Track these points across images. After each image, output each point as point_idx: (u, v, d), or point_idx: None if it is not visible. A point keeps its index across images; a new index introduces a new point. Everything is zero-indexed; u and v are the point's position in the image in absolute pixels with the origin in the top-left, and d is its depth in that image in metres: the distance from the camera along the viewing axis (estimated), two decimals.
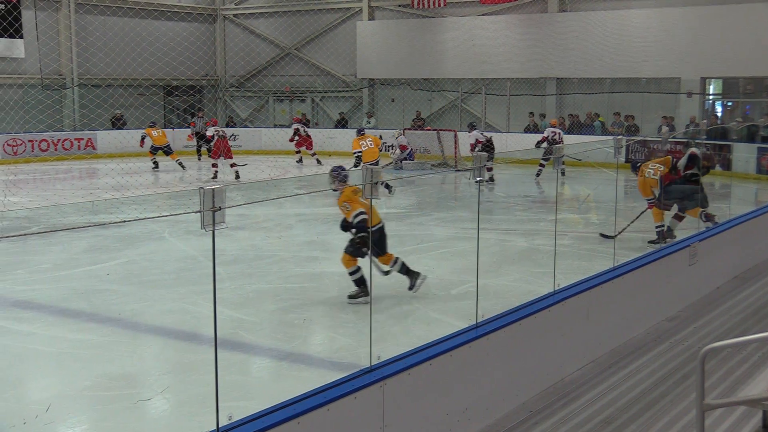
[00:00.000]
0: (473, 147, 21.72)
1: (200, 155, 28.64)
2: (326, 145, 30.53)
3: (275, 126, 33.79)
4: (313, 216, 16.86)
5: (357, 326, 8.88)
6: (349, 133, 30.58)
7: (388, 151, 27.79)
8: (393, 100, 32.46)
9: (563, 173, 21.66)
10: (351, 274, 9.75)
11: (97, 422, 6.86)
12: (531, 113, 29.01)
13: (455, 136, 25.78)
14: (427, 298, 10.22)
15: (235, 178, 22.76)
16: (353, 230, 9.60)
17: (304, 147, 27.36)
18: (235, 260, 12.14)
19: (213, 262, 4.87)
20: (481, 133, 22.68)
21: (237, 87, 35.76)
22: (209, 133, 24.44)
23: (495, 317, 6.93)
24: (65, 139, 28.27)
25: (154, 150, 25.99)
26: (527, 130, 28.21)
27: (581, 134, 26.52)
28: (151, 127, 26.33)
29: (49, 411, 6.71)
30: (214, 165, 23.85)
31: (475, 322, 6.70)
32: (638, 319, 9.12)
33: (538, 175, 22.05)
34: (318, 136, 31.14)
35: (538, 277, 10.77)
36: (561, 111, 28.97)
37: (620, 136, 20.91)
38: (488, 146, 22.11)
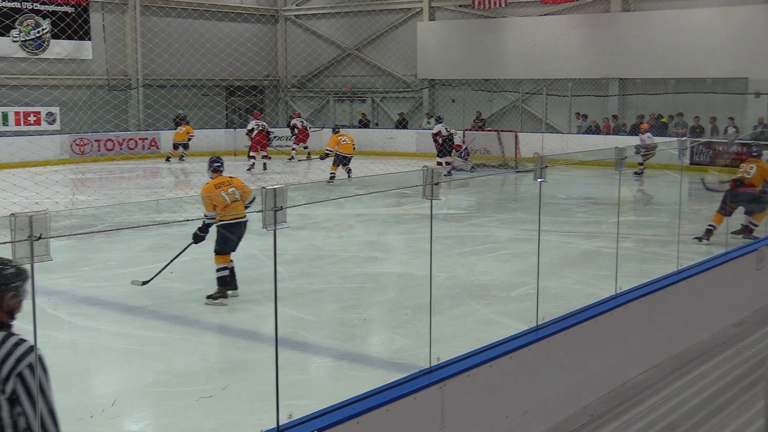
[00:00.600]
0: (434, 138, 23.94)
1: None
2: (386, 146, 30.58)
3: (336, 126, 33.94)
4: (372, 216, 16.90)
5: (416, 327, 8.88)
6: (410, 134, 30.65)
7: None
8: (453, 101, 32.36)
9: (641, 172, 22.63)
10: (217, 271, 10.24)
11: (160, 417, 6.96)
12: (578, 113, 28.76)
13: (516, 137, 25.62)
14: (487, 300, 10.18)
15: (263, 169, 24.98)
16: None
17: (302, 142, 28.11)
18: (295, 260, 12.22)
19: (274, 261, 4.91)
20: (446, 128, 24.08)
21: (298, 87, 36.00)
22: (249, 126, 25.54)
23: (556, 320, 6.87)
24: (130, 139, 28.78)
25: (175, 146, 27.54)
26: (588, 131, 27.90)
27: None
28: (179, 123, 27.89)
29: (114, 405, 6.83)
30: (251, 157, 24.96)
31: (535, 325, 6.65)
32: (703, 324, 8.97)
33: (638, 174, 23.03)
34: (378, 136, 31.23)
35: (600, 280, 10.64)
36: (623, 112, 28.59)
37: (685, 138, 20.57)
38: (449, 141, 23.88)
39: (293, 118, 29.10)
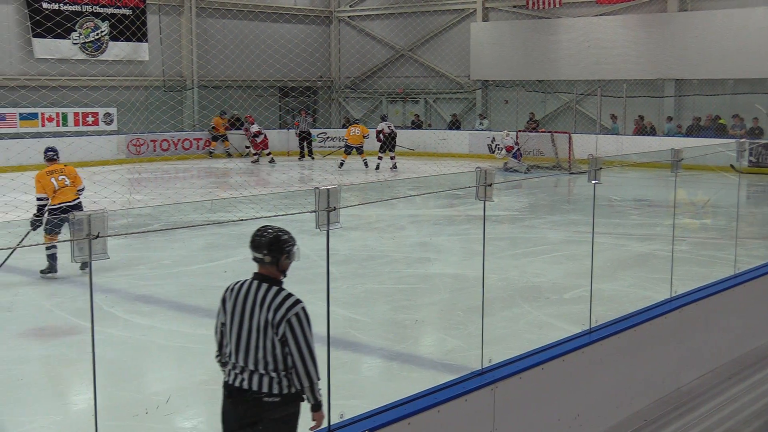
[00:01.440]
0: (378, 135, 26.43)
1: (303, 155, 29.38)
2: (439, 147, 30.54)
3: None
4: (425, 217, 16.89)
5: (467, 328, 8.86)
6: (463, 135, 30.59)
7: (494, 152, 27.65)
8: (506, 102, 32.19)
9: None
10: (46, 249, 11.22)
11: (214, 415, 6.99)
12: (612, 115, 28.44)
13: (569, 138, 25.41)
14: (539, 302, 10.12)
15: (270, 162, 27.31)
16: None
17: (262, 148, 27.98)
18: (347, 260, 12.26)
19: (327, 261, 4.94)
20: (388, 126, 26.59)
21: (351, 88, 36.11)
22: (256, 128, 27.65)
23: (609, 323, 6.81)
24: (185, 139, 29.13)
25: (214, 138, 29.27)
26: (645, 133, 27.57)
27: (701, 137, 25.77)
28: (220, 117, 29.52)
29: (168, 402, 6.92)
30: (255, 154, 27.62)
31: (588, 328, 6.59)
32: (761, 329, 8.81)
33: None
34: (431, 137, 31.21)
35: (654, 283, 10.52)
36: (680, 113, 28.19)
37: (743, 140, 20.26)
38: (390, 138, 26.23)
39: (252, 125, 28.36)
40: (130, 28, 28.50)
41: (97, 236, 3.83)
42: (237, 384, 4.57)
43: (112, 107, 28.02)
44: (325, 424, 4.69)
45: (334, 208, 4.63)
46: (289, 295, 4.49)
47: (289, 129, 31.10)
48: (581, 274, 10.87)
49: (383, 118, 27.93)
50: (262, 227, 4.72)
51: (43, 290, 10.90)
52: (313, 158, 29.33)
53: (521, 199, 19.74)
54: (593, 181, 6.74)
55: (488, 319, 6.93)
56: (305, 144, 29.60)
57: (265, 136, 27.97)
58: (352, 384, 7.37)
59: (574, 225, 15.82)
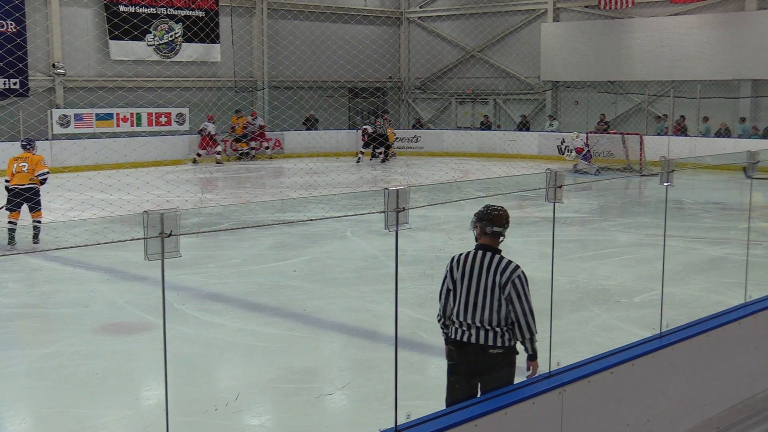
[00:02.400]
0: (362, 135, 28.83)
1: (374, 154, 29.10)
2: (508, 148, 30.38)
3: (458, 128, 33.93)
4: None
5: None
6: (532, 136, 30.38)
7: (564, 153, 27.37)
8: (577, 103, 31.86)
9: None
10: (8, 222, 13.32)
11: (281, 413, 7.11)
12: (663, 115, 27.93)
13: (641, 139, 25.04)
14: (609, 305, 10.00)
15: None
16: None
17: (206, 149, 27.69)
18: (415, 260, 12.26)
19: (396, 262, 4.95)
20: (371, 127, 28.69)
21: (420, 89, 36.13)
22: (261, 122, 28.71)
23: (680, 327, 6.69)
24: (255, 139, 29.40)
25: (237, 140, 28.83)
26: (718, 135, 27.04)
27: None
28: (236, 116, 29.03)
29: (237, 399, 7.01)
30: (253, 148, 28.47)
31: (659, 332, 6.49)
32: None
33: None
34: (500, 138, 31.07)
35: (728, 288, 10.31)
36: (756, 114, 27.56)
37: None
38: (374, 138, 28.02)
39: (207, 122, 28.26)
40: (204, 30, 28.94)
41: (170, 234, 3.90)
42: (465, 339, 5.32)
43: (185, 107, 28.49)
44: (391, 424, 4.70)
45: (404, 209, 4.63)
46: (510, 261, 5.32)
47: (358, 129, 31.19)
48: (652, 277, 10.72)
49: (367, 122, 30.11)
50: (489, 206, 5.61)
51: (116, 287, 11.15)
52: (383, 161, 28.80)
53: (591, 201, 19.51)
54: (665, 183, 6.64)
55: (557, 321, 6.87)
56: (384, 148, 28.76)
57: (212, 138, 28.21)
58: (419, 385, 7.37)
59: (644, 228, 15.59)
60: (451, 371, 5.55)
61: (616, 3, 29.42)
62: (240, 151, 28.74)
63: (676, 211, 16.78)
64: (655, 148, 24.32)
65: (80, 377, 7.74)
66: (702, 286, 11.04)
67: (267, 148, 29.52)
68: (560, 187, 5.66)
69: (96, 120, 26.29)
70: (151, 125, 27.72)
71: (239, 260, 12.80)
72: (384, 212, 4.63)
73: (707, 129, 27.63)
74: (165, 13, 28.21)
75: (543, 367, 5.67)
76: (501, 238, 5.54)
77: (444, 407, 5.05)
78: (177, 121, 28.27)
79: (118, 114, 26.91)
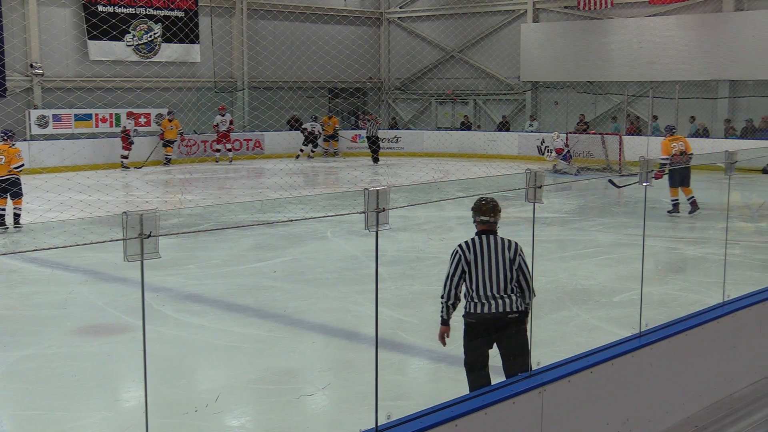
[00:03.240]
0: (303, 131, 29.64)
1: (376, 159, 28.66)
2: (488, 148, 30.44)
3: (438, 128, 33.97)
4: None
5: None
6: (512, 136, 30.46)
7: (544, 154, 27.46)
8: (556, 103, 31.97)
9: None
10: None
11: (261, 414, 7.10)
12: (654, 116, 28.15)
13: (620, 140, 25.16)
14: (589, 305, 10.04)
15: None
16: None
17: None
18: (395, 261, 12.27)
19: (376, 262, 4.95)
20: (311, 124, 29.53)
21: (400, 89, 36.15)
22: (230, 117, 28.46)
23: (660, 327, 6.73)
24: (235, 140, 29.32)
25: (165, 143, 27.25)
26: (697, 135, 27.20)
27: (756, 139, 25.36)
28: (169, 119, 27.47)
29: (217, 401, 6.99)
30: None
31: (638, 331, 6.52)
32: None
33: None
34: (480, 138, 31.13)
35: (707, 287, 10.38)
36: (734, 115, 27.76)
37: None
38: (311, 135, 29.34)
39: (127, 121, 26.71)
40: (183, 30, 28.83)
41: (149, 235, 3.89)
42: (486, 310, 6.09)
43: (165, 108, 28.37)
44: (372, 425, 4.71)
45: (384, 209, 4.63)
46: (509, 239, 6.32)
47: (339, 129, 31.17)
48: (631, 277, 10.77)
49: (314, 119, 30.32)
50: (481, 198, 6.51)
51: (96, 289, 11.09)
52: (375, 162, 28.48)
53: (571, 201, 19.59)
54: (644, 184, 6.67)
55: (537, 321, 6.92)
56: (372, 149, 28.71)
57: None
58: (400, 385, 7.38)
59: (624, 228, 15.67)
60: (470, 337, 6.31)
61: (595, 4, 29.54)
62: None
63: (655, 210, 16.87)
64: (634, 149, 24.45)
65: (59, 379, 7.70)
66: (681, 285, 11.10)
67: (229, 150, 28.57)
68: (540, 187, 5.68)
69: (75, 120, 26.12)
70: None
71: (219, 261, 12.77)
72: (364, 213, 4.63)
73: (695, 129, 27.80)
74: (144, 13, 28.08)
75: (523, 367, 5.69)
76: (496, 225, 6.41)
77: (424, 408, 5.05)
78: (157, 122, 28.13)
79: (96, 115, 26.75)
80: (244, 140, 29.82)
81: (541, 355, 5.82)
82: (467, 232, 16.06)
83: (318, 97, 33.03)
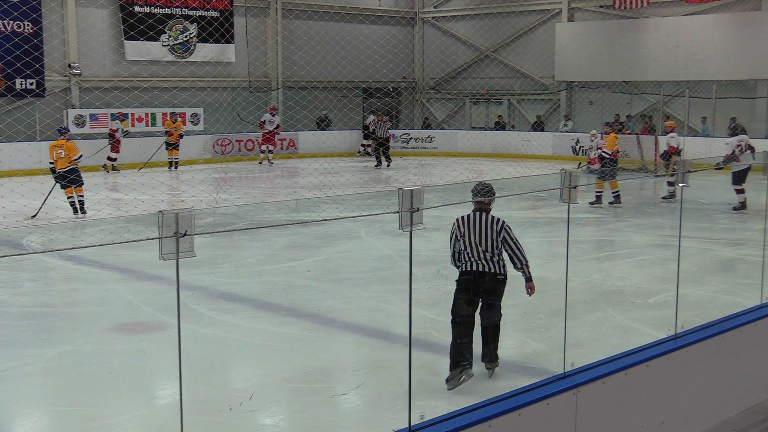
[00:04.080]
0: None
1: (379, 162, 27.25)
2: (523, 148, 30.32)
3: (472, 128, 33.89)
4: (508, 218, 16.67)
5: (550, 331, 8.78)
6: (546, 136, 30.30)
7: (585, 153, 27.26)
8: (591, 103, 31.77)
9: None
10: (67, 198, 16.13)
11: (295, 413, 7.12)
12: (704, 117, 27.85)
13: (656, 139, 24.94)
14: (623, 306, 9.96)
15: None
16: None
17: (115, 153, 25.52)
18: (429, 261, 12.24)
19: (410, 262, 4.95)
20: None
21: (434, 89, 36.10)
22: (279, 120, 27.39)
23: (696, 329, 6.67)
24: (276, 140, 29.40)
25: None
26: (732, 134, 26.87)
27: None
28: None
29: (251, 399, 7.02)
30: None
31: (674, 333, 6.47)
32: None
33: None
34: (515, 138, 31.02)
35: (744, 289, 10.25)
36: None
37: None
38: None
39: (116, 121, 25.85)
40: (219, 30, 29.02)
41: (185, 234, 3.92)
42: (474, 269, 7.37)
43: (200, 107, 28.57)
44: (405, 424, 4.70)
45: (418, 209, 4.63)
46: (498, 217, 7.44)
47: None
48: (667, 278, 10.67)
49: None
50: (480, 182, 7.50)
51: (131, 287, 11.18)
52: (389, 166, 27.18)
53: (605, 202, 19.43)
54: (680, 184, 6.62)
55: (571, 322, 6.89)
56: (381, 150, 27.34)
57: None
58: (432, 385, 7.36)
59: (659, 228, 15.53)
60: (460, 291, 7.51)
61: (631, 3, 29.32)
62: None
63: (691, 211, 16.71)
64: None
65: (95, 376, 7.77)
66: (717, 287, 10.98)
67: (271, 151, 27.67)
68: (575, 187, 5.65)
69: (111, 120, 26.36)
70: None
71: (253, 260, 12.82)
72: (398, 212, 4.63)
73: (706, 129, 27.59)
74: (180, 13, 28.31)
75: (557, 368, 5.66)
76: (489, 205, 7.46)
77: (457, 408, 5.04)
78: (192, 121, 28.34)
79: (133, 114, 27.01)
80: (279, 140, 29.93)
81: (575, 357, 5.78)
82: None
83: (352, 96, 33.08)
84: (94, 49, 26.54)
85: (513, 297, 10.62)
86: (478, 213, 7.49)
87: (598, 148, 24.19)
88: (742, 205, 17.31)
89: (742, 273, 11.63)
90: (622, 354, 6.07)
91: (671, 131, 20.86)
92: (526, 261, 7.34)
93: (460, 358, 7.17)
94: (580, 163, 24.46)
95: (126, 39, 27.13)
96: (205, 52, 29.16)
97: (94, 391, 7.40)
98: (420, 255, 12.41)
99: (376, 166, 27.17)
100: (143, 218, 14.85)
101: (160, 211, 3.87)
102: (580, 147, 28.55)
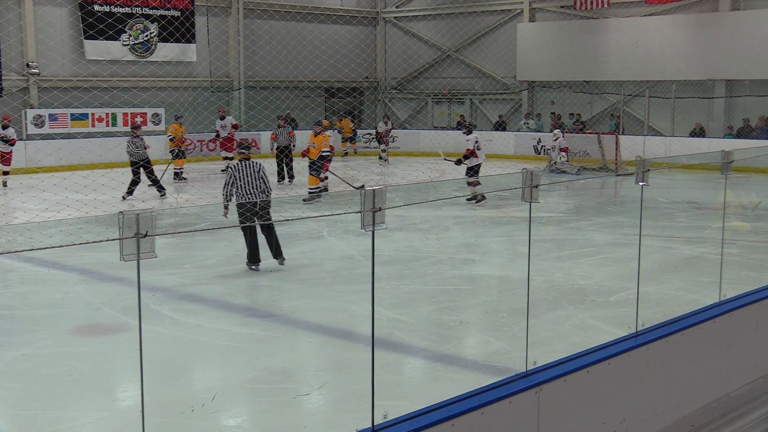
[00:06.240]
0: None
1: (282, 176, 22.95)
2: (485, 148, 30.35)
3: (434, 128, 33.96)
4: (470, 218, 16.85)
5: (512, 330, 8.82)
6: (508, 136, 30.45)
7: (546, 153, 27.45)
8: (552, 103, 32.01)
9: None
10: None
11: (258, 414, 7.09)
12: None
13: (616, 139, 25.19)
14: (585, 305, 10.04)
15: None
16: None
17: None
18: (392, 261, 12.27)
19: (372, 262, 4.94)
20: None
21: (397, 89, 36.14)
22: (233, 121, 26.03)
23: (656, 326, 6.73)
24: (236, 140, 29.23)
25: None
26: (693, 134, 27.25)
27: (751, 138, 25.40)
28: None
29: (214, 400, 6.98)
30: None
31: (634, 331, 6.53)
32: None
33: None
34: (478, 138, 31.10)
35: (703, 287, 10.38)
36: (730, 114, 27.80)
37: None
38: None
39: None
40: (179, 30, 28.82)
41: (146, 235, 3.89)
42: (250, 197, 11.18)
43: (161, 108, 28.35)
44: (368, 424, 4.71)
45: (380, 209, 4.63)
46: (256, 161, 11.53)
47: (334, 130, 30.99)
48: (628, 276, 10.77)
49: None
50: (241, 141, 11.85)
51: (92, 288, 11.07)
52: (290, 181, 22.83)
53: (567, 201, 19.60)
54: (640, 183, 6.68)
55: (533, 321, 6.93)
56: (284, 162, 22.95)
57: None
58: (396, 385, 7.37)
59: (620, 227, 15.67)
60: (243, 215, 11.54)
61: (591, 3, 29.56)
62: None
63: (652, 210, 16.89)
64: (630, 148, 24.48)
65: (55, 379, 7.68)
66: (677, 285, 11.11)
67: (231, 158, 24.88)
68: (536, 186, 5.68)
69: (71, 120, 26.09)
70: (127, 125, 27.46)
71: (216, 261, 12.75)
72: (360, 212, 4.63)
73: (614, 126, 29.03)
74: (140, 12, 28.07)
75: (519, 367, 5.70)
76: (249, 155, 11.73)
77: (420, 408, 5.05)
78: (153, 121, 28.11)
79: (93, 114, 26.72)
80: (241, 140, 29.70)
81: (537, 355, 5.82)
82: (463, 231, 16.12)
83: (314, 96, 33.02)
84: (53, 49, 26.23)
85: (475, 296, 10.72)
86: (246, 162, 11.47)
87: (561, 149, 24.48)
88: (477, 197, 17.91)
89: (701, 271, 11.77)
90: (584, 352, 6.12)
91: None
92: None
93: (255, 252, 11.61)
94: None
95: (85, 38, 26.85)
96: (166, 51, 28.94)
97: (54, 394, 7.32)
98: (383, 255, 12.42)
99: (278, 181, 22.42)
100: (104, 219, 14.71)
101: (121, 212, 3.84)
102: (542, 146, 28.77)
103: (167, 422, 6.55)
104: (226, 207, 11.87)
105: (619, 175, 24.17)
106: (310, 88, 32.58)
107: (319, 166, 18.47)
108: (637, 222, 7.28)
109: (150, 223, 3.89)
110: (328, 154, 18.76)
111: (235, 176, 11.35)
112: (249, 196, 11.25)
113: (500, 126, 32.13)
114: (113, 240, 3.94)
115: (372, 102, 36.37)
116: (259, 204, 11.16)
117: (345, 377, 7.73)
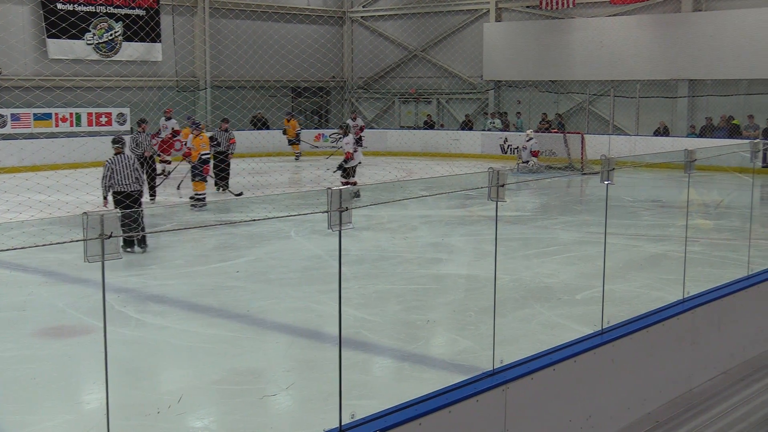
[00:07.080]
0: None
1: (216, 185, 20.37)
2: (451, 147, 30.53)
3: (401, 127, 34.00)
4: (437, 218, 16.88)
5: (479, 329, 8.85)
6: (475, 135, 30.55)
7: (514, 152, 27.57)
8: (519, 102, 32.18)
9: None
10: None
11: (225, 415, 7.06)
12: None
13: (582, 138, 25.37)
14: (551, 303, 10.10)
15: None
16: None
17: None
18: (359, 260, 12.26)
19: (339, 262, 4.94)
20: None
21: (363, 88, 36.13)
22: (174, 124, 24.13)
23: (621, 324, 6.79)
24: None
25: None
26: (657, 134, 27.51)
27: (714, 138, 25.69)
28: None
29: (180, 402, 6.94)
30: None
31: (600, 328, 6.58)
32: None
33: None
34: (443, 137, 31.21)
35: (667, 284, 10.48)
36: (693, 113, 28.11)
37: (757, 140, 20.16)
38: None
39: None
40: (144, 29, 28.59)
41: (110, 236, 3.85)
42: (126, 190, 12.73)
43: (126, 107, 28.12)
44: (336, 424, 4.70)
45: (347, 209, 4.63)
46: (129, 154, 13.24)
47: (302, 129, 30.79)
48: (593, 274, 10.86)
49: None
50: (115, 136, 13.15)
51: (55, 290, 10.96)
52: (224, 190, 20.08)
53: (533, 200, 19.70)
54: (606, 182, 6.73)
55: (500, 319, 6.96)
56: (220, 167, 20.19)
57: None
58: (364, 384, 7.37)
59: (586, 225, 15.79)
60: (119, 203, 12.69)
61: (557, 3, 29.74)
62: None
63: (617, 208, 17.02)
64: (595, 147, 24.68)
65: (19, 382, 7.59)
66: (642, 282, 11.21)
67: (168, 162, 23.51)
68: (502, 185, 5.70)
69: (34, 120, 25.81)
70: (91, 125, 27.30)
71: (182, 261, 12.68)
72: (327, 212, 4.62)
73: (521, 123, 30.39)
74: (104, 11, 27.81)
75: (486, 365, 5.72)
76: (123, 149, 12.98)
77: (388, 407, 5.05)
78: (118, 121, 27.89)
79: (56, 114, 26.45)
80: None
81: (504, 353, 5.84)
82: (430, 230, 16.13)
83: (281, 96, 32.92)
84: (14, 48, 25.89)
85: (443, 296, 10.74)
86: (120, 155, 12.80)
87: (532, 152, 24.64)
88: (358, 193, 16.89)
89: (666, 268, 11.88)
90: (550, 350, 6.15)
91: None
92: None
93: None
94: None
95: (48, 37, 26.55)
96: (131, 51, 28.71)
97: (17, 398, 7.23)
98: (350, 254, 12.41)
99: (218, 189, 20.07)
100: (67, 220, 14.56)
101: (85, 212, 3.80)
102: (509, 146, 28.92)
103: (133, 425, 6.50)
104: (105, 198, 12.88)
105: (584, 174, 24.35)
106: (277, 88, 32.48)
107: (200, 170, 17.82)
108: (603, 220, 7.34)
109: (115, 224, 3.86)
110: (208, 156, 18.18)
111: (112, 168, 12.67)
112: (125, 186, 12.70)
113: (467, 125, 32.23)
114: (77, 241, 3.90)
115: (339, 101, 36.33)
116: (133, 194, 12.84)
117: (312, 377, 7.71)
